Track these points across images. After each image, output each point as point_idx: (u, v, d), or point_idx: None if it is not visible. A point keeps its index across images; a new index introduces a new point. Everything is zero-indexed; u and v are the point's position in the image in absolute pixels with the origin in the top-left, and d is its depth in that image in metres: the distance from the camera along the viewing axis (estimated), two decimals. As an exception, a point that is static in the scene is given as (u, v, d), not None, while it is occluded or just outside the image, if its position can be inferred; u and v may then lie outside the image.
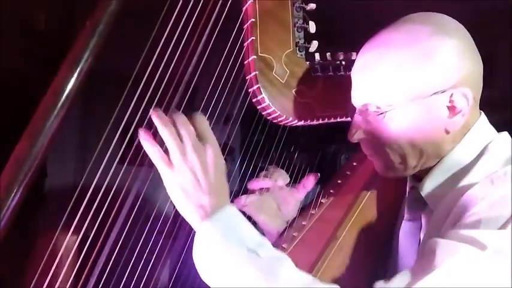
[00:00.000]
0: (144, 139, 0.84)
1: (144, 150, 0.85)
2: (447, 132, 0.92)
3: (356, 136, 0.97)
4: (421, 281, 0.76)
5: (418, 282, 0.76)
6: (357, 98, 0.96)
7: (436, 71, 0.89)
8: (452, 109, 0.90)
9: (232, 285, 0.79)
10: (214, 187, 0.84)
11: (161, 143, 0.84)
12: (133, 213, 0.93)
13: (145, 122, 0.90)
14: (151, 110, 0.84)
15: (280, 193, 1.20)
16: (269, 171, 1.15)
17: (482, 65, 0.94)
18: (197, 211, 0.83)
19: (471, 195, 0.85)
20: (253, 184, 1.17)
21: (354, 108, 0.97)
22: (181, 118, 0.84)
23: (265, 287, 0.78)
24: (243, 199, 1.16)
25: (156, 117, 0.84)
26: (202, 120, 0.86)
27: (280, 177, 1.16)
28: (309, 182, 1.20)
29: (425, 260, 0.79)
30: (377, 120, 0.93)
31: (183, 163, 0.83)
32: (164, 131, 0.83)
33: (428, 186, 0.96)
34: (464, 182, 0.90)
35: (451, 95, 0.89)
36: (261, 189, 1.18)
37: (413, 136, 0.92)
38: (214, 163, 0.84)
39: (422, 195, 0.97)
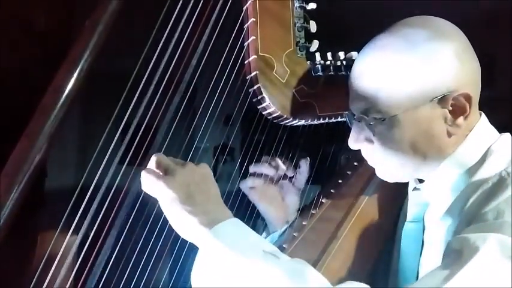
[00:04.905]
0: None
1: (144, 150, 0.85)
2: (449, 135, 0.91)
3: (357, 143, 0.96)
4: (453, 278, 0.72)
5: (450, 280, 0.72)
6: (356, 104, 0.94)
7: (437, 74, 0.88)
8: (454, 112, 0.90)
9: None
10: (217, 198, 0.85)
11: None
12: (133, 213, 0.93)
13: (145, 122, 0.90)
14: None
15: (282, 183, 1.17)
16: (271, 159, 1.13)
17: (479, 65, 0.93)
18: (204, 217, 0.80)
19: (485, 192, 0.85)
20: (256, 168, 1.14)
21: (353, 114, 0.96)
22: None
23: None
24: (250, 181, 1.13)
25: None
26: None
27: (281, 167, 1.14)
28: (304, 167, 1.16)
29: (451, 258, 0.76)
30: (378, 126, 0.91)
31: (189, 169, 0.84)
32: (161, 156, 0.85)
33: (431, 188, 0.95)
34: (470, 183, 0.89)
35: (453, 99, 0.89)
36: (265, 177, 1.15)
37: (415, 141, 0.91)
38: (212, 180, 0.86)
39: (425, 197, 0.97)
